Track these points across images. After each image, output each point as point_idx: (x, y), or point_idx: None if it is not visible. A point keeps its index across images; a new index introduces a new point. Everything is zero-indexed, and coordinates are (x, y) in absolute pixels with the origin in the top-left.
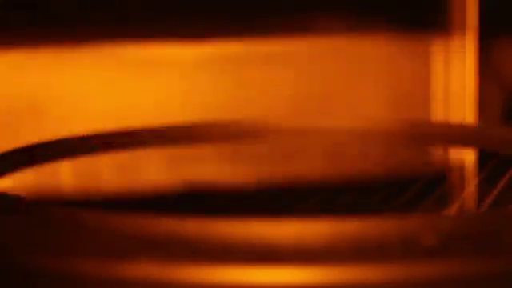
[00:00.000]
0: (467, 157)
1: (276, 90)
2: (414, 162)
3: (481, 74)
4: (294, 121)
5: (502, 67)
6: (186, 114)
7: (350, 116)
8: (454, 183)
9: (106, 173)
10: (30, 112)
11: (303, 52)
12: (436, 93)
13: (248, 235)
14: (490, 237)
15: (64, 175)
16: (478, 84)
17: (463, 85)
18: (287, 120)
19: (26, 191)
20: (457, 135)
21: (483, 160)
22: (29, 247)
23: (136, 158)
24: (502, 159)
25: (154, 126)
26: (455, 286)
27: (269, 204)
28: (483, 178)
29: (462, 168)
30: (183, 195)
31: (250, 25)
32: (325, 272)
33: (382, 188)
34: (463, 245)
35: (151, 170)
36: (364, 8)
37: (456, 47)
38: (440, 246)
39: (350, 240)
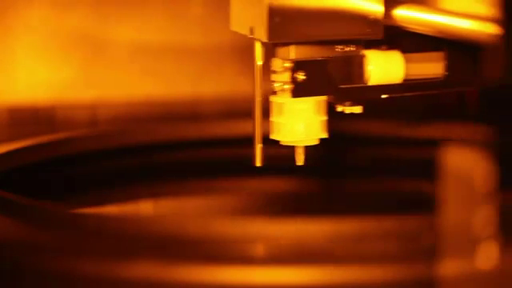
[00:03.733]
0: None
1: None
2: None
3: None
4: None
5: None
6: None
7: None
8: None
9: None
10: None
11: None
12: None
13: (248, 235)
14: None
15: None
16: None
17: None
18: None
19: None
20: None
21: None
22: (29, 247)
23: None
24: None
25: None
26: (455, 285)
27: None
28: None
29: None
30: None
31: None
32: (325, 272)
33: None
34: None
35: None
36: None
37: None
38: (439, 246)
39: (349, 240)
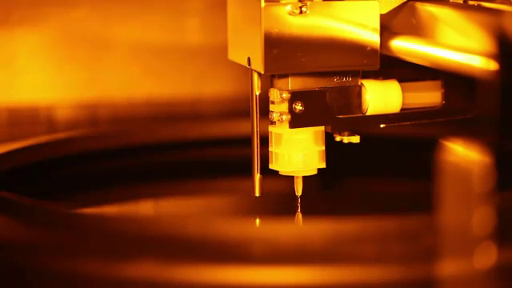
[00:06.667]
0: None
1: None
2: None
3: None
4: None
5: None
6: None
7: None
8: None
9: None
10: None
11: None
12: None
13: (248, 235)
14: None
15: None
16: None
17: None
18: None
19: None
20: None
21: None
22: (29, 247)
23: None
24: None
25: None
26: (454, 285)
27: None
28: None
29: None
30: None
31: None
32: (325, 272)
33: None
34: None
35: None
36: None
37: None
38: (438, 246)
39: (349, 240)
